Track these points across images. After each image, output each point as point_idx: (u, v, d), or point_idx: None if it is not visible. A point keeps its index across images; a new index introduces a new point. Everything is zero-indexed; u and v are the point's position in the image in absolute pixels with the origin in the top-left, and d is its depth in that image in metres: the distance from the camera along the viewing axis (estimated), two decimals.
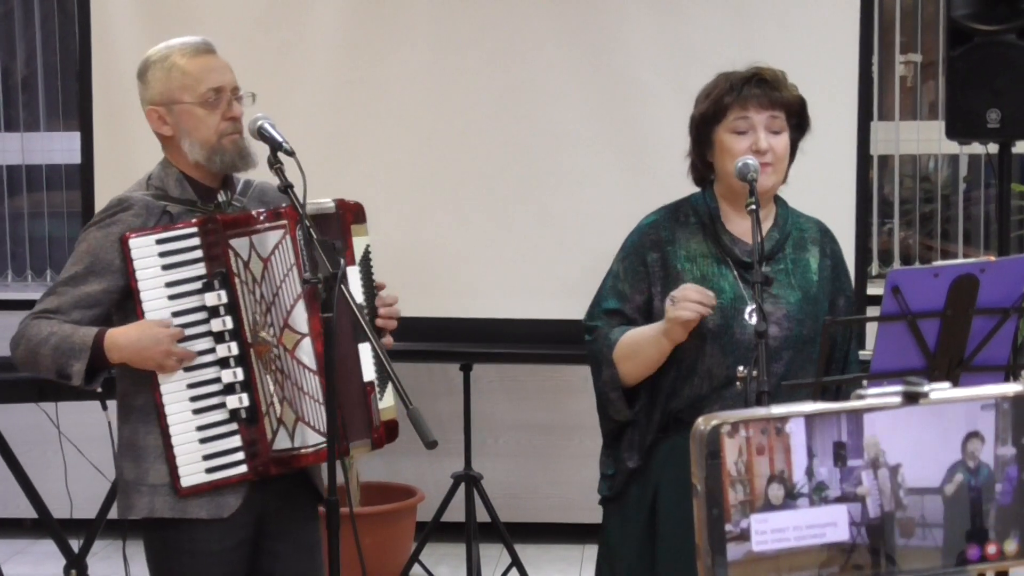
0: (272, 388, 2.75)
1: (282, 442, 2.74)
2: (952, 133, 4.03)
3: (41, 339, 2.75)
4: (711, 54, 4.24)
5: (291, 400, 2.74)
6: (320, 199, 2.82)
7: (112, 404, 3.94)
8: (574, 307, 4.60)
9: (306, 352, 2.73)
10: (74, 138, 4.83)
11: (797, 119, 2.82)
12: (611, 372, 2.79)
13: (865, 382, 2.53)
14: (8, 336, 5.33)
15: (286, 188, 2.65)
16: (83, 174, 4.63)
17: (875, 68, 5.07)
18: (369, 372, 2.80)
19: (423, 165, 4.46)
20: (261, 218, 2.75)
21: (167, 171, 2.88)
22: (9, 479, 4.29)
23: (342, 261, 2.64)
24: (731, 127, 2.76)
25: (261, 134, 2.73)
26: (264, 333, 2.74)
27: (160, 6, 4.56)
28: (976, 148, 4.79)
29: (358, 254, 2.84)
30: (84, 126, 4.61)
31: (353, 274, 2.80)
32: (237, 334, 2.75)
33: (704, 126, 2.81)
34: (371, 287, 2.87)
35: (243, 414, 2.75)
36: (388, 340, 2.88)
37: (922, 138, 5.49)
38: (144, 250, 2.74)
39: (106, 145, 4.57)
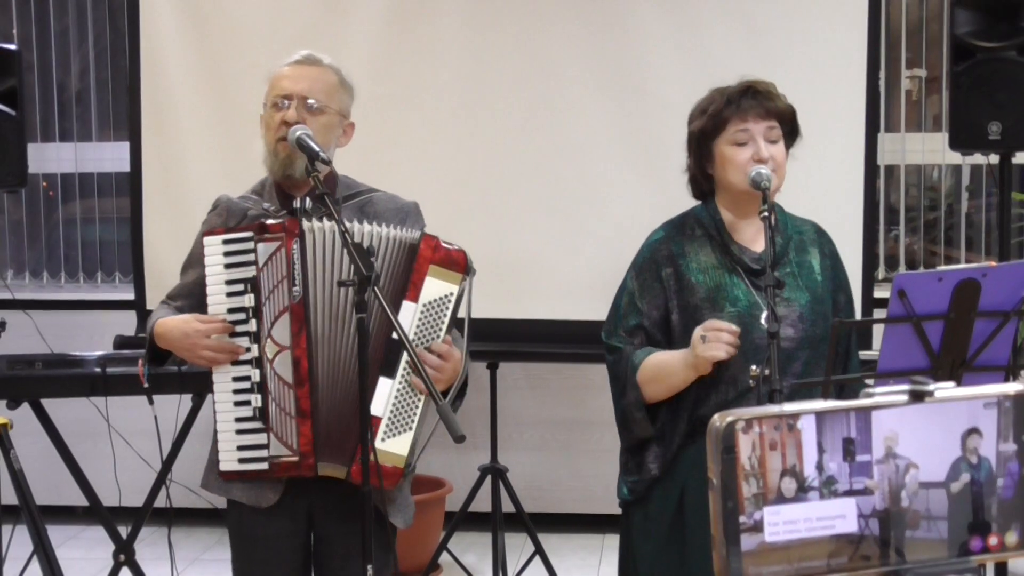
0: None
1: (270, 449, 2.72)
2: (955, 144, 4.01)
3: (148, 323, 2.87)
4: (726, 70, 4.18)
5: (266, 409, 2.70)
6: (414, 233, 2.77)
7: (158, 399, 3.97)
8: (595, 309, 4.60)
9: (284, 364, 2.67)
10: (123, 148, 4.85)
11: (789, 127, 2.80)
12: (636, 394, 2.74)
13: (871, 381, 2.52)
14: (62, 334, 5.37)
15: (322, 195, 2.62)
16: (132, 182, 4.67)
17: (882, 82, 5.05)
18: (379, 407, 2.67)
19: (452, 175, 4.47)
20: (263, 228, 2.70)
21: (268, 176, 2.88)
22: (62, 469, 4.31)
23: (376, 264, 2.62)
24: (732, 139, 2.73)
25: (299, 145, 2.70)
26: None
27: (205, 25, 4.59)
28: (978, 159, 4.76)
29: (427, 296, 2.71)
30: (133, 136, 4.64)
31: (408, 309, 2.69)
32: (258, 338, 2.71)
33: (704, 140, 2.77)
34: (429, 334, 2.72)
35: (257, 414, 2.71)
36: (419, 385, 2.66)
37: (927, 149, 5.46)
38: (213, 248, 2.74)
39: (153, 154, 4.60)
